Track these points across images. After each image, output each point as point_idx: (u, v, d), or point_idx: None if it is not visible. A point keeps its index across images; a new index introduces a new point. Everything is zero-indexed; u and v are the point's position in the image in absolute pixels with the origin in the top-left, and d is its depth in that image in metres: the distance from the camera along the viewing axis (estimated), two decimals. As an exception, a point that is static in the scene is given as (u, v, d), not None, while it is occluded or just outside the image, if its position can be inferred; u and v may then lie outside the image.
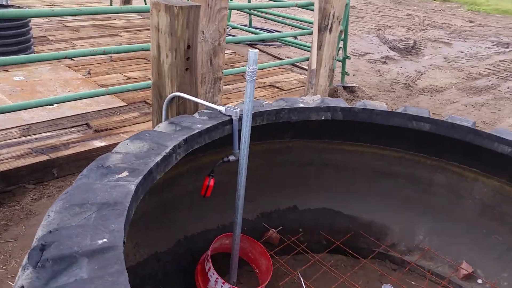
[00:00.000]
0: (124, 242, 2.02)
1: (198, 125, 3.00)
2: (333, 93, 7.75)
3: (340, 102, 3.72)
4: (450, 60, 11.96)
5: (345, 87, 8.10)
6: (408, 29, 15.64)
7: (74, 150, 4.61)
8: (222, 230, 3.70)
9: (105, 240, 1.84)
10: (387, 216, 4.06)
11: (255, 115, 3.31)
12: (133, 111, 5.64)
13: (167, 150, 2.60)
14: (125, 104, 5.82)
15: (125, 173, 2.32)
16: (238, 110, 3.14)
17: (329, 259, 3.80)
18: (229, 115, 3.17)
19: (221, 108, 3.20)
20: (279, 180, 4.07)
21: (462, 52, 13.02)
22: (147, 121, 5.30)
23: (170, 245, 3.41)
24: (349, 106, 3.66)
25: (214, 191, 3.20)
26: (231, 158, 3.21)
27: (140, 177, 2.28)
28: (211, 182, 3.19)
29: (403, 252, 3.84)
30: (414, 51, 12.58)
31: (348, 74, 8.34)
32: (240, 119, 3.20)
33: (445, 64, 11.44)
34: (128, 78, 6.74)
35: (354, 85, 8.25)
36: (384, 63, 10.98)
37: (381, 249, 3.83)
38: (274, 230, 3.82)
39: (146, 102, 5.91)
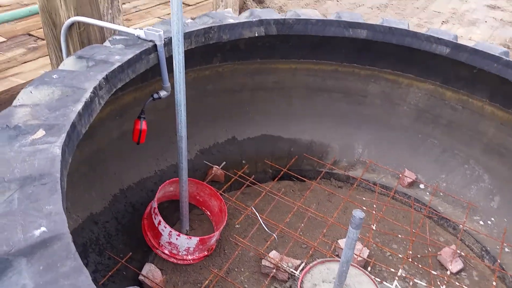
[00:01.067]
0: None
1: (116, 57, 2.39)
2: (242, 5, 7.22)
3: (272, 14, 3.30)
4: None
5: (253, -2, 7.58)
6: None
7: None
8: (160, 176, 3.27)
9: (43, 229, 1.34)
10: (326, 134, 3.95)
11: (183, 39, 2.77)
12: (17, 47, 4.57)
13: (87, 94, 2.02)
14: (5, 39, 4.69)
15: (41, 132, 1.74)
16: (161, 33, 2.57)
17: (278, 187, 3.63)
18: (151, 40, 2.59)
19: (139, 32, 2.59)
20: (213, 111, 3.66)
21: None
22: (38, 58, 4.34)
23: (106, 203, 2.91)
24: (282, 17, 3.26)
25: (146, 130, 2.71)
26: (163, 93, 2.70)
27: (63, 135, 1.73)
28: (144, 125, 2.68)
29: (346, 168, 3.81)
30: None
31: (253, -15, 7.78)
32: (165, 44, 2.65)
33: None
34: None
35: (262, -6, 7.76)
36: (286, -29, 10.49)
37: (326, 169, 3.75)
38: (217, 167, 3.49)
39: (30, 35, 4.82)
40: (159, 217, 2.69)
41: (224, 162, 3.57)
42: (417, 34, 3.26)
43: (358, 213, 2.17)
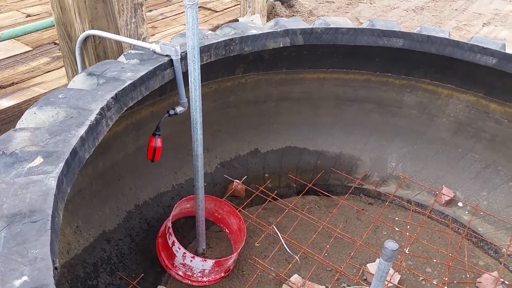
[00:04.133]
0: (56, 268, 1.42)
1: (128, 74, 2.28)
2: (271, 10, 7.02)
3: (298, 23, 3.10)
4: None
5: (282, 2, 7.37)
6: None
7: (-26, 115, 3.66)
8: (178, 191, 3.16)
9: (25, 278, 1.23)
10: (356, 146, 3.70)
11: (200, 51, 2.62)
12: (42, 56, 4.61)
13: (93, 116, 1.90)
14: (30, 48, 4.74)
15: (38, 160, 1.64)
16: (178, 47, 2.43)
17: (302, 203, 3.43)
18: (167, 55, 2.46)
19: (155, 47, 2.47)
20: (235, 123, 3.51)
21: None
22: (61, 67, 4.34)
23: (120, 220, 2.83)
24: (310, 27, 3.05)
25: (162, 146, 2.59)
26: (179, 110, 2.56)
27: (61, 164, 1.62)
28: (158, 142, 2.56)
29: (377, 183, 3.56)
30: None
31: (284, -13, 7.57)
32: (182, 58, 2.52)
33: (379, -33, 10.88)
34: (28, 16, 5.51)
35: (291, -2, 7.54)
36: (318, -29, 10.21)
37: (355, 184, 3.52)
38: (238, 181, 3.33)
39: (55, 43, 4.85)
40: (173, 238, 2.57)
41: (246, 176, 3.41)
42: (459, 44, 2.96)
43: (390, 245, 1.94)
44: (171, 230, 2.61)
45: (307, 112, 3.69)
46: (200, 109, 2.37)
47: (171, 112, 2.52)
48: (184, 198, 2.83)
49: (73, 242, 2.54)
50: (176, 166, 3.20)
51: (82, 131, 1.80)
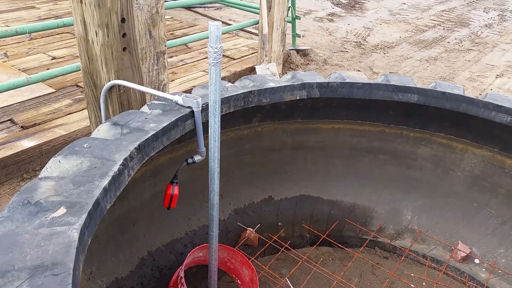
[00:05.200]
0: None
1: (151, 125, 2.35)
2: (286, 58, 7.22)
3: (315, 77, 3.19)
4: (395, 13, 11.75)
5: (297, 51, 7.58)
6: (349, -18, 15.22)
7: (-2, 154, 3.76)
8: (191, 238, 3.16)
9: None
10: (371, 197, 3.69)
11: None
12: (64, 98, 4.78)
13: (116, 167, 1.96)
14: (53, 90, 4.93)
15: (61, 210, 1.68)
16: (199, 100, 2.52)
17: (316, 255, 3.39)
18: (188, 106, 2.54)
19: (178, 99, 2.55)
20: (250, 170, 3.55)
21: (404, 3, 12.87)
22: (82, 110, 4.49)
23: (133, 267, 2.82)
24: (326, 81, 3.14)
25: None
26: (197, 158, 2.62)
27: (84, 216, 1.65)
28: (176, 190, 2.60)
29: (392, 236, 3.52)
30: (358, 5, 12.24)
31: (299, 36, 7.82)
32: (203, 109, 2.59)
33: (391, 18, 11.21)
34: (54, 58, 5.76)
35: (307, 47, 7.74)
36: (331, 20, 10.55)
37: (370, 237, 3.48)
38: (251, 230, 3.33)
39: (78, 86, 5.04)
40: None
41: (259, 225, 3.40)
42: (474, 101, 3.00)
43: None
44: (183, 280, 2.59)
45: (322, 161, 3.71)
46: (219, 159, 2.42)
47: (190, 160, 2.57)
48: (197, 247, 2.82)
49: (85, 289, 2.53)
50: (190, 213, 3.22)
51: (105, 182, 1.84)
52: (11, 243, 1.51)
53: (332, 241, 3.41)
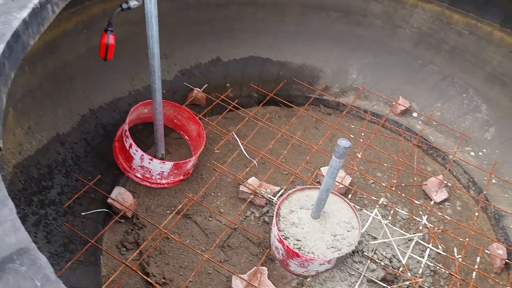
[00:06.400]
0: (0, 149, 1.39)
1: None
2: None
3: None
4: None
5: None
6: None
7: None
8: (135, 97, 3.09)
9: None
10: (320, 57, 3.67)
11: None
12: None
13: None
14: None
15: (-26, 41, 1.53)
16: None
17: (262, 113, 3.45)
18: None
19: None
20: (196, 27, 3.37)
21: None
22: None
23: (75, 123, 2.76)
24: None
25: (117, 48, 2.46)
26: (133, 3, 2.40)
27: (2, 46, 1.52)
28: (111, 39, 2.42)
29: (337, 94, 3.60)
30: None
31: None
32: None
33: None
34: None
35: None
36: None
37: (315, 94, 3.54)
38: (198, 89, 3.28)
39: None
40: (130, 140, 2.56)
41: (206, 85, 3.35)
42: None
43: (343, 142, 2.02)
44: (127, 132, 2.59)
45: (272, 20, 3.58)
46: (156, 0, 2.23)
47: (124, 6, 2.36)
48: (141, 102, 2.77)
49: (24, 143, 2.47)
50: (132, 71, 3.10)
51: (25, 13, 1.68)
52: None
53: (280, 99, 3.46)
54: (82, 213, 2.51)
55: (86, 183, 2.55)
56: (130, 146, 2.59)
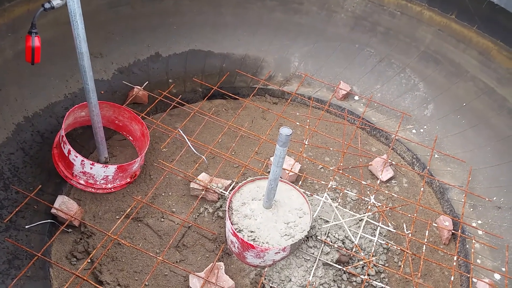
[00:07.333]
0: None
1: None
2: None
3: None
4: None
5: None
6: None
7: None
8: (72, 100, 2.94)
9: None
10: (261, 47, 3.67)
11: None
12: None
13: None
14: None
15: None
16: None
17: (208, 107, 3.41)
18: None
19: None
20: (132, 23, 3.25)
21: None
22: None
23: (9, 133, 2.60)
24: None
25: (47, 51, 2.33)
26: (56, 2, 2.26)
27: None
28: (36, 41, 2.29)
29: (281, 83, 3.62)
30: None
31: None
32: None
33: None
34: None
35: None
36: None
37: (260, 85, 3.54)
38: (139, 87, 3.18)
39: None
40: (68, 146, 2.44)
41: (147, 82, 3.26)
42: None
43: (285, 130, 2.03)
44: (64, 138, 2.47)
45: (209, 12, 3.53)
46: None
47: (47, 5, 2.23)
48: (77, 105, 2.65)
49: (-46, 159, 2.31)
50: (66, 73, 2.95)
51: None
52: None
53: (225, 92, 3.43)
54: (26, 226, 2.38)
55: (27, 194, 2.41)
56: (69, 152, 2.48)
